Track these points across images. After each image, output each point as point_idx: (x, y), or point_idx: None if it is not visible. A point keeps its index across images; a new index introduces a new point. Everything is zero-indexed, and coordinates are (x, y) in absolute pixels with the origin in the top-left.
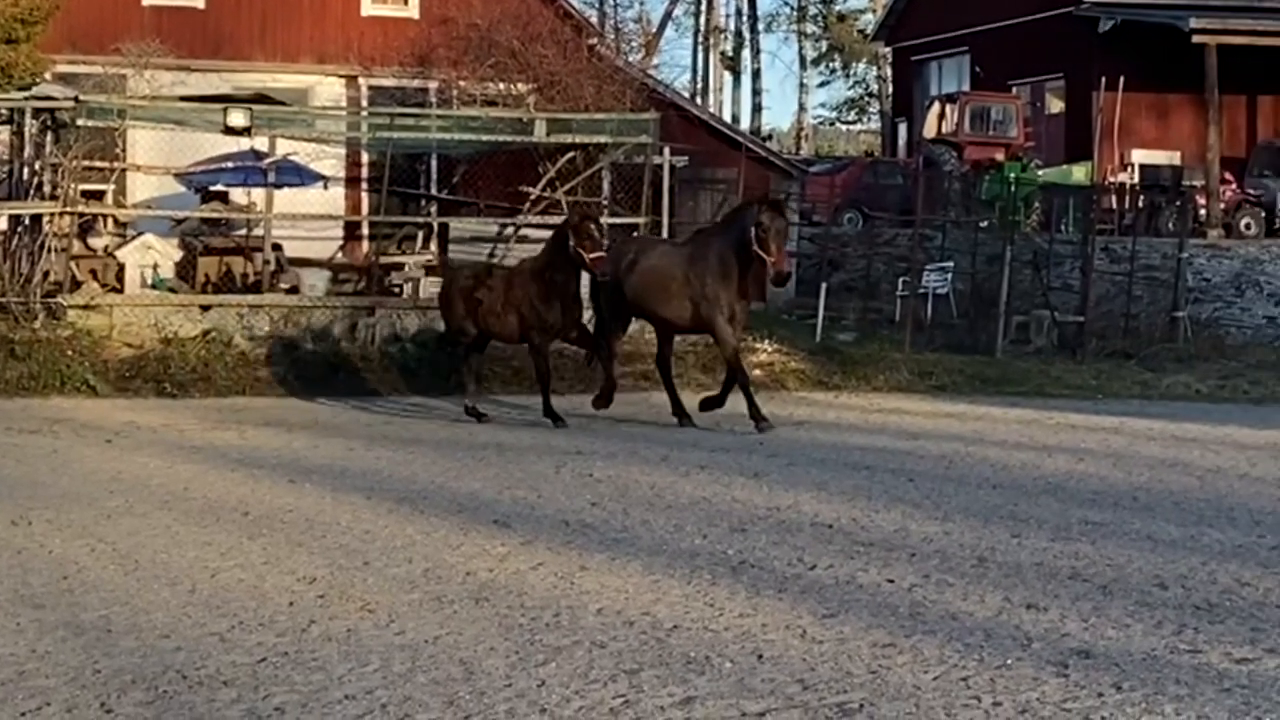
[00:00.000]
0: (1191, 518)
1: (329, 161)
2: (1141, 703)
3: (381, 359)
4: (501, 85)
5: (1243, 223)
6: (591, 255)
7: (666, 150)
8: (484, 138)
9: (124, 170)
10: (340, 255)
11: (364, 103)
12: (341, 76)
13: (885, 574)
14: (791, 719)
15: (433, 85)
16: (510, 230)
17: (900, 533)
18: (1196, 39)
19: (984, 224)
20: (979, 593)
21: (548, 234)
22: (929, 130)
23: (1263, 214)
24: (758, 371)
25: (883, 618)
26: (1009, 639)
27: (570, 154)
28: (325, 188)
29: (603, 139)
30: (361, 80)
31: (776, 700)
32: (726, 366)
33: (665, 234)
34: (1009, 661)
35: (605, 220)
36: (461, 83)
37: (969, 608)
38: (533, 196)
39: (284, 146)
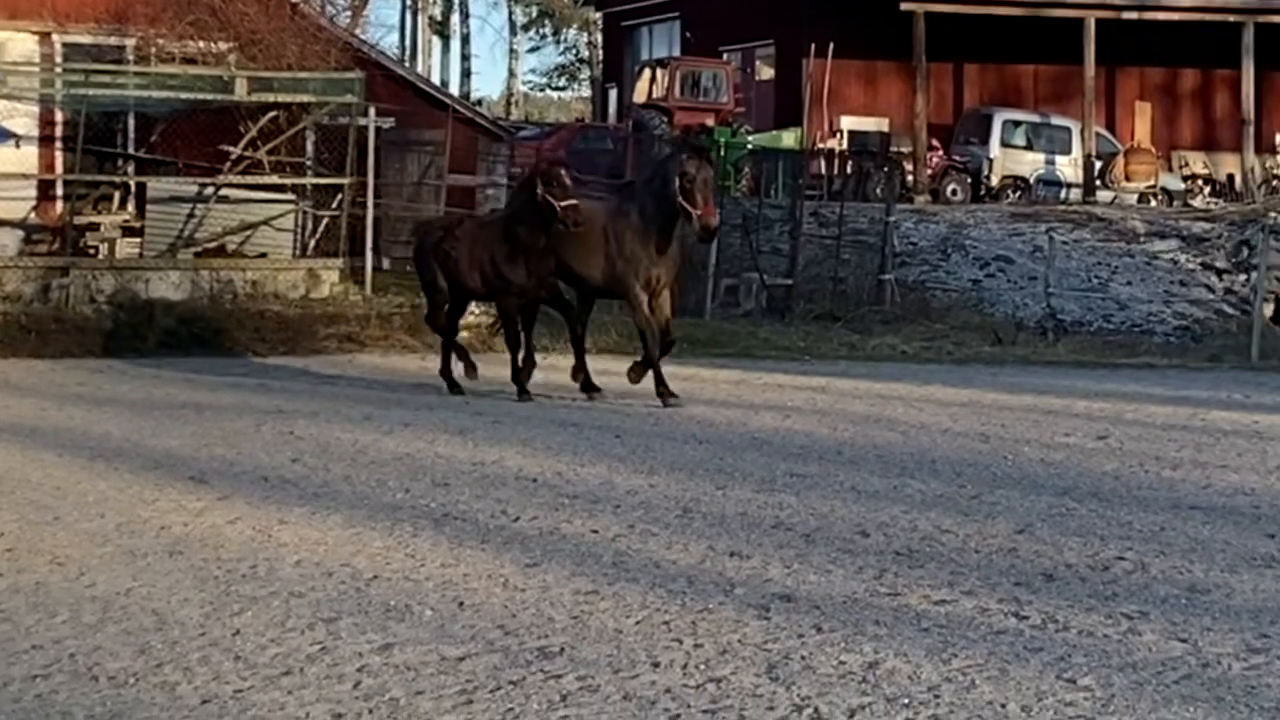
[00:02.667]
0: (895, 470)
1: (21, 119)
2: (841, 642)
3: (76, 320)
4: (201, 43)
5: (949, 189)
6: (563, 203)
7: (372, 111)
8: (183, 96)
9: None
10: (33, 215)
11: (58, 59)
12: (34, 33)
13: (590, 525)
14: (491, 663)
15: (130, 42)
16: (210, 190)
17: (605, 486)
18: (905, 6)
19: None
20: (683, 542)
21: (249, 194)
22: (639, 95)
23: (969, 180)
24: (465, 333)
25: (586, 566)
26: (712, 585)
27: (272, 113)
28: (17, 146)
29: (306, 98)
30: (55, 36)
31: (477, 645)
32: (639, 332)
33: (370, 195)
34: (711, 606)
35: (310, 180)
36: (160, 40)
37: (673, 556)
38: (234, 156)
39: None
